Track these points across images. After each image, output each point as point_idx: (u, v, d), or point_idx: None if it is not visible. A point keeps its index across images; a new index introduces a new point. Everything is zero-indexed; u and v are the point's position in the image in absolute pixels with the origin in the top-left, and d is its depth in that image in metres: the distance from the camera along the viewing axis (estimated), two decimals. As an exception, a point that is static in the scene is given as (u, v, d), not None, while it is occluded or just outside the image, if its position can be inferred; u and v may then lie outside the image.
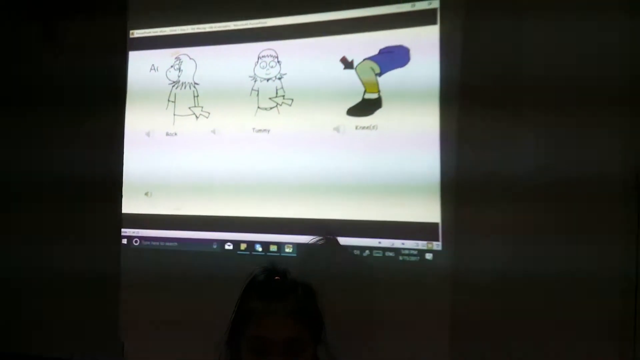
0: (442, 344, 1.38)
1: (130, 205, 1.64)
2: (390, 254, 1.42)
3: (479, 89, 1.47)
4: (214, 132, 1.55)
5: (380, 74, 1.43)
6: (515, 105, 1.50)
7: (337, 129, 1.46)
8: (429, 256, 1.39)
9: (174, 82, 1.59)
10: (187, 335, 1.48)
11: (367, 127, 1.44)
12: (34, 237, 2.11)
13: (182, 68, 1.59)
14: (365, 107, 1.45)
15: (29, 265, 2.02)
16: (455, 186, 1.42)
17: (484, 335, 1.98)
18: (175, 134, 1.59)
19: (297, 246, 1.48)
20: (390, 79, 1.42)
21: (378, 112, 1.43)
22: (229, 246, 1.54)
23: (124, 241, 1.65)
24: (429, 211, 1.39)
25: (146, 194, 1.62)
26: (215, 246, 1.55)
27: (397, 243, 1.41)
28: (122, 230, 1.64)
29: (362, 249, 1.43)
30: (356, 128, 1.45)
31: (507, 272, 1.87)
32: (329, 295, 1.25)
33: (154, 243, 1.62)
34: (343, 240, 1.45)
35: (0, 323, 2.10)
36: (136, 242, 1.64)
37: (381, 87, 1.43)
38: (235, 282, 1.28)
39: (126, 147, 1.64)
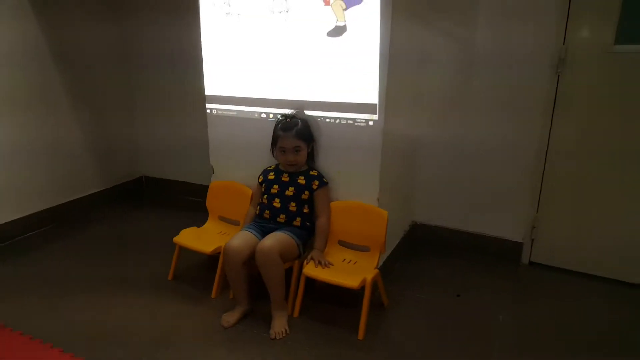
0: (374, 165, 2.40)
1: (208, 89, 2.75)
2: (350, 122, 2.39)
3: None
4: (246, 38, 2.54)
5: (346, 9, 2.27)
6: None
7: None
8: (371, 123, 2.34)
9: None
10: (249, 156, 2.67)
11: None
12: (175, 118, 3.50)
13: None
14: (337, 31, 2.32)
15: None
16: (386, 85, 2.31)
17: (398, 159, 2.96)
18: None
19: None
20: (352, 12, 2.26)
21: (345, 34, 2.31)
22: (264, 115, 2.61)
23: (208, 111, 2.78)
24: (371, 96, 2.31)
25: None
26: (256, 115, 2.63)
27: (354, 115, 2.37)
28: (207, 105, 2.78)
29: (335, 118, 2.42)
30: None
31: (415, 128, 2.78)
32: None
33: (224, 112, 2.74)
34: (327, 114, 2.45)
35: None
36: (214, 111, 2.77)
37: (347, 17, 2.28)
38: (270, 130, 2.44)
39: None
